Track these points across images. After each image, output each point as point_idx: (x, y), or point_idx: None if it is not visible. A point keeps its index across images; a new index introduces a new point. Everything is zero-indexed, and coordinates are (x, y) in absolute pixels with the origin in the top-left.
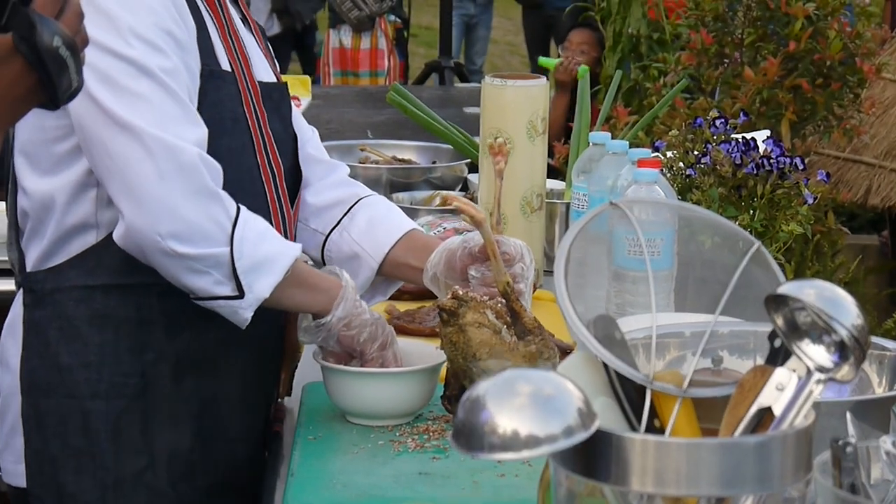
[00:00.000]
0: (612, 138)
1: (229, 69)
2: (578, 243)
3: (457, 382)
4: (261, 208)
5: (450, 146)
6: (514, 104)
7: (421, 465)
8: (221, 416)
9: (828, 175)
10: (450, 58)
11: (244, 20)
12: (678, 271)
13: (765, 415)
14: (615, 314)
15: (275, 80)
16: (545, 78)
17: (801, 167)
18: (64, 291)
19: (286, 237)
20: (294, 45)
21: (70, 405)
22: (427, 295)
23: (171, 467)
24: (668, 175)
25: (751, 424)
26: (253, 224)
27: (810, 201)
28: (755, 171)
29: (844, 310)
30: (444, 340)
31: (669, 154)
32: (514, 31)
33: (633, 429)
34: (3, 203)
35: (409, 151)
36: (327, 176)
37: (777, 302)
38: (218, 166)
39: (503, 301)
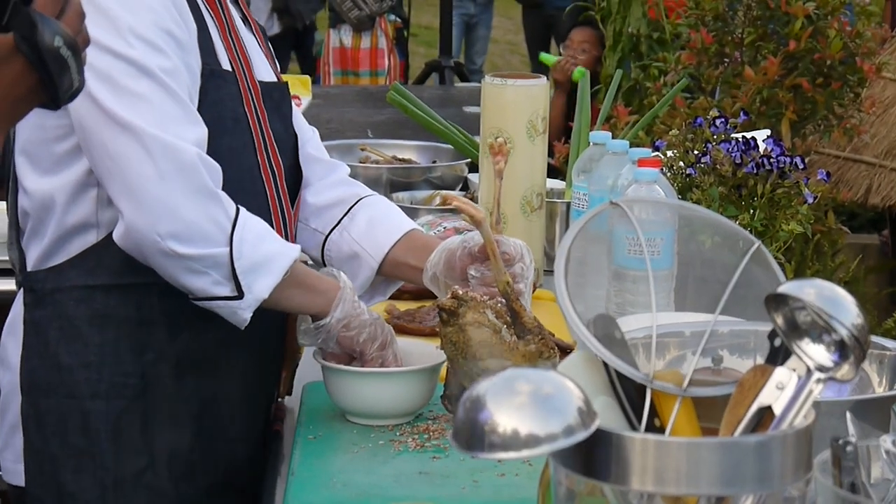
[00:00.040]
0: (613, 138)
1: (230, 69)
2: (578, 243)
3: (456, 382)
4: (261, 208)
5: (450, 146)
6: (515, 104)
7: (421, 464)
8: (222, 417)
9: (828, 174)
10: (450, 57)
11: (244, 20)
12: (678, 271)
13: (765, 414)
14: (615, 313)
15: (275, 79)
16: (545, 77)
17: (801, 166)
18: (64, 291)
19: (286, 237)
20: (294, 46)
21: (70, 405)
22: (427, 295)
23: (171, 467)
24: (669, 174)
25: (751, 424)
26: (252, 225)
27: (810, 201)
28: (755, 171)
29: (844, 309)
30: (444, 340)
31: (669, 153)
32: (514, 30)
33: (634, 428)
34: (4, 203)
35: (409, 151)
36: (327, 175)
37: (777, 301)
38: (217, 167)
39: (503, 301)
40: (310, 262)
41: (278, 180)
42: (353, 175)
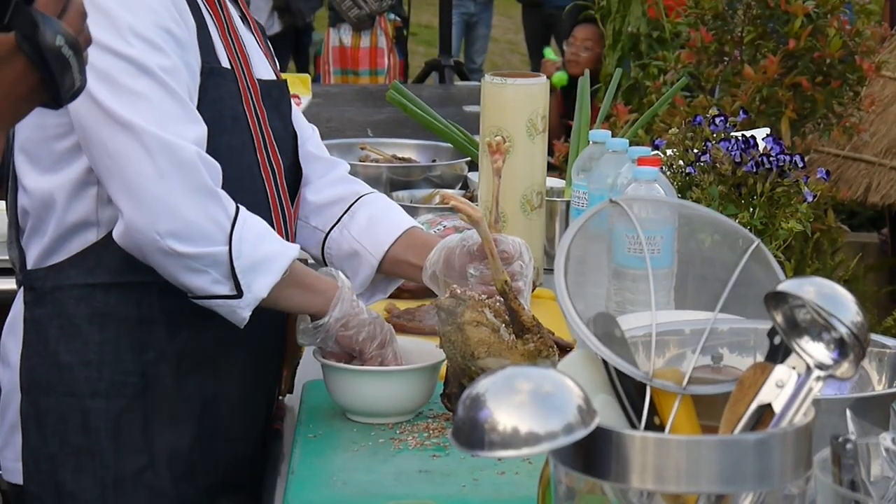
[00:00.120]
0: (612, 136)
1: (229, 67)
2: (578, 241)
3: (456, 381)
4: (261, 206)
5: (450, 145)
6: (514, 102)
7: (421, 462)
8: (222, 416)
9: (827, 173)
10: (450, 56)
11: (243, 18)
12: (678, 269)
13: (765, 412)
14: (615, 312)
15: (274, 78)
16: (545, 76)
17: (800, 165)
18: (64, 290)
19: (286, 235)
20: (293, 44)
21: (70, 403)
22: (427, 293)
23: (171, 466)
24: (668, 173)
25: (751, 422)
26: (252, 224)
27: (810, 199)
28: (755, 169)
29: (844, 307)
30: (443, 339)
31: (669, 152)
32: (514, 29)
33: (633, 426)
34: (4, 201)
35: (408, 150)
36: (327, 173)
37: (777, 299)
38: (217, 165)
39: (501, 299)
40: (310, 261)
41: (278, 179)
42: (353, 174)
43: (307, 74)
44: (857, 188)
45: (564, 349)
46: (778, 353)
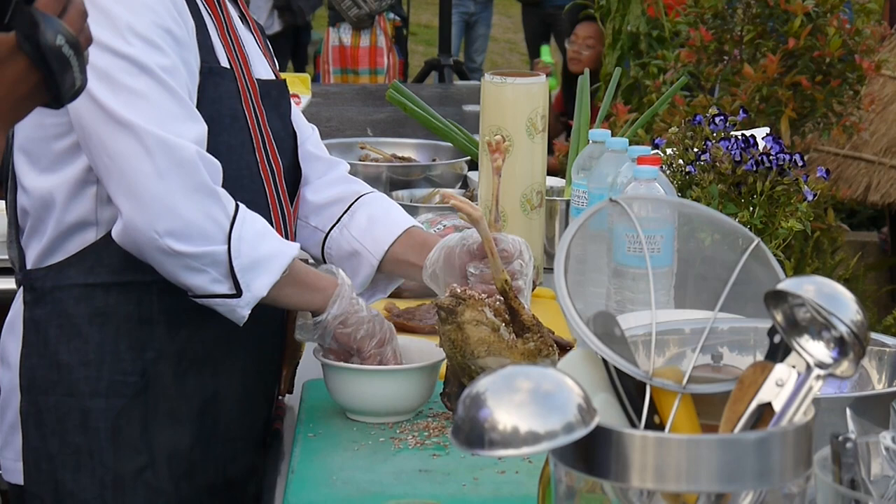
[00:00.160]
0: (612, 135)
1: (228, 66)
2: (578, 240)
3: (456, 380)
4: (260, 206)
5: (449, 144)
6: (514, 102)
7: (421, 462)
8: (222, 415)
9: (827, 172)
10: (449, 56)
11: (243, 18)
12: (678, 268)
13: (764, 411)
14: (615, 311)
15: (273, 77)
16: (545, 76)
17: (800, 164)
18: (64, 289)
19: (286, 235)
20: (292, 43)
21: (69, 403)
22: (427, 292)
23: (170, 466)
24: (668, 172)
25: (750, 420)
26: (251, 223)
27: (810, 198)
28: (755, 168)
29: (844, 306)
30: (443, 338)
31: (669, 151)
32: (513, 28)
33: (633, 425)
34: (3, 201)
35: (408, 149)
36: (327, 173)
37: (777, 298)
38: (217, 164)
39: (502, 298)
40: (310, 260)
41: (277, 178)
42: (353, 173)
43: (307, 74)
44: (856, 187)
45: (564, 348)
46: (778, 352)
